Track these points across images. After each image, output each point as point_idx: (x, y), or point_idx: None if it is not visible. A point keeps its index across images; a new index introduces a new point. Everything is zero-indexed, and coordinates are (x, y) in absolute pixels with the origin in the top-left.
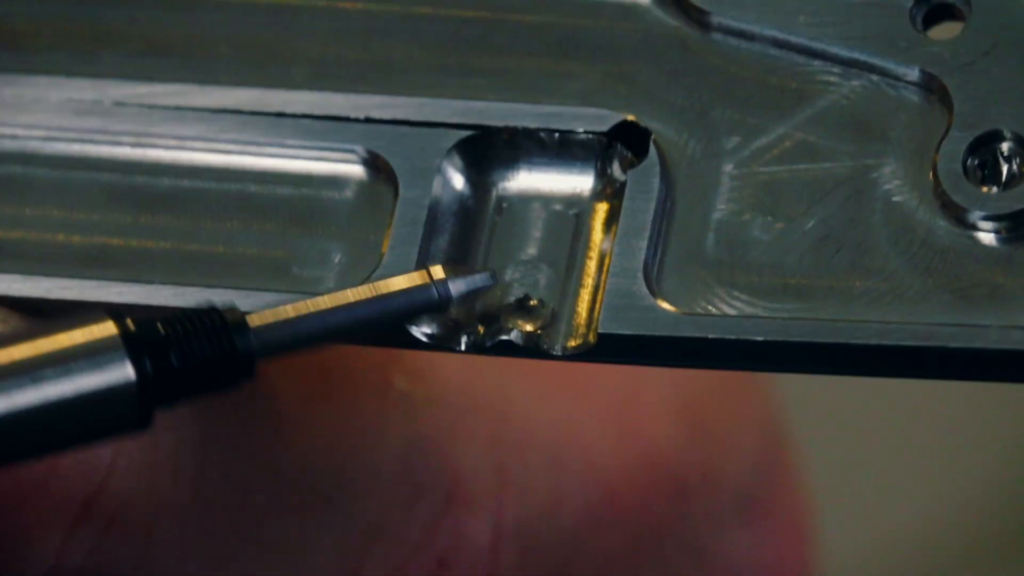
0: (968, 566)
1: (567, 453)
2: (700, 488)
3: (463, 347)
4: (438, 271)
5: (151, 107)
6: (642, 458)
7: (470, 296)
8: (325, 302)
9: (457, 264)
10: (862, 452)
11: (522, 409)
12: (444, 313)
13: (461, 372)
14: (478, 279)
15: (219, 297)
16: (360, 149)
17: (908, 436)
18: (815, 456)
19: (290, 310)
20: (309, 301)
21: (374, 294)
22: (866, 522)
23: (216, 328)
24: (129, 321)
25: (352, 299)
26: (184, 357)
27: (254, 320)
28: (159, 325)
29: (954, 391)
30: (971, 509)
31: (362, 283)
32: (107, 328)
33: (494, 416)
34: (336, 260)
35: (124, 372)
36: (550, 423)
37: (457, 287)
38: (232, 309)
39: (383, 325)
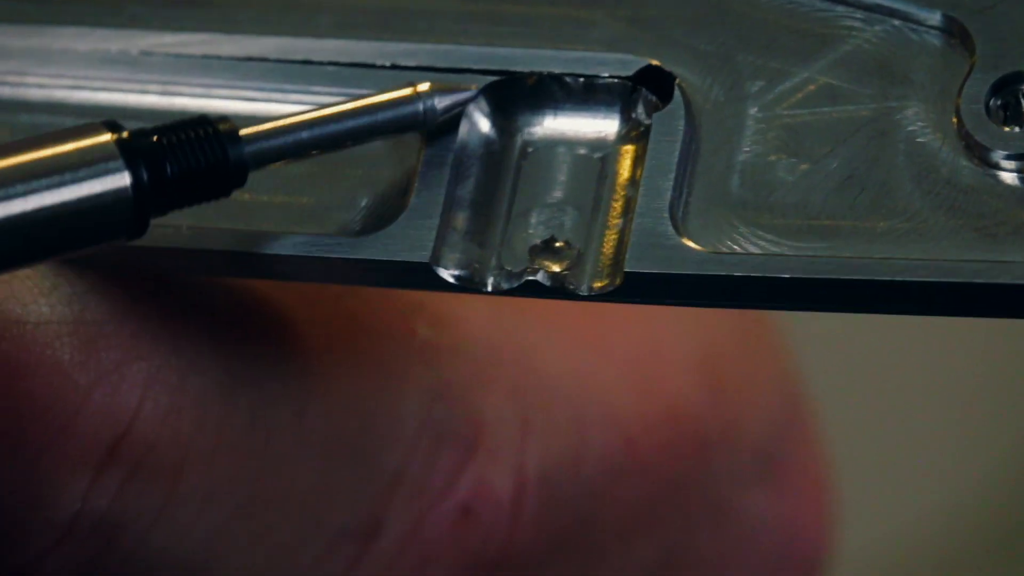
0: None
1: (589, 405)
2: (720, 444)
3: (489, 288)
4: (424, 86)
5: (178, 56)
6: (663, 412)
7: (454, 109)
8: (314, 114)
9: (481, 217)
10: (880, 414)
11: (545, 360)
12: (430, 128)
13: (485, 322)
14: (462, 93)
15: (249, 239)
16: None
17: (928, 397)
18: (834, 416)
19: (280, 121)
20: (299, 113)
21: (361, 106)
22: (886, 483)
23: (209, 137)
24: (125, 131)
25: (340, 111)
26: (178, 165)
27: (246, 131)
28: (154, 135)
29: (981, 358)
30: (989, 482)
31: (387, 227)
32: (104, 137)
33: (517, 366)
34: (363, 204)
35: (121, 179)
36: (572, 375)
37: (442, 101)
38: (225, 119)
39: (370, 137)
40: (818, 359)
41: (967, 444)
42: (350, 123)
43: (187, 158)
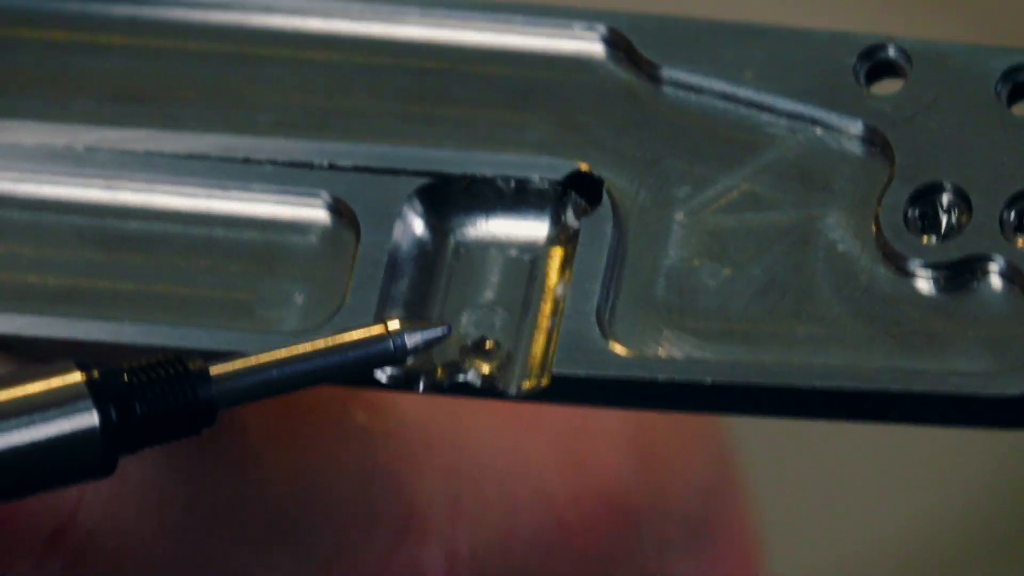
0: None
1: (520, 484)
2: (649, 516)
3: (421, 388)
4: (395, 323)
5: (121, 152)
6: (592, 488)
7: (426, 347)
8: (284, 353)
9: (414, 316)
10: (810, 480)
11: (477, 441)
12: (400, 364)
13: (417, 406)
14: (433, 331)
15: (184, 335)
16: (323, 194)
17: (858, 465)
18: (764, 483)
19: (250, 360)
20: (269, 352)
21: (332, 345)
22: (814, 550)
23: (179, 377)
24: (95, 370)
25: (310, 350)
26: (147, 405)
27: (215, 369)
28: (124, 374)
29: (900, 432)
30: (919, 541)
31: (323, 325)
32: (73, 376)
33: (449, 448)
34: (299, 302)
35: (89, 419)
36: (504, 455)
37: (413, 339)
38: (195, 359)
39: (341, 376)
40: (748, 426)
41: (894, 520)
42: (320, 362)
43: (156, 398)
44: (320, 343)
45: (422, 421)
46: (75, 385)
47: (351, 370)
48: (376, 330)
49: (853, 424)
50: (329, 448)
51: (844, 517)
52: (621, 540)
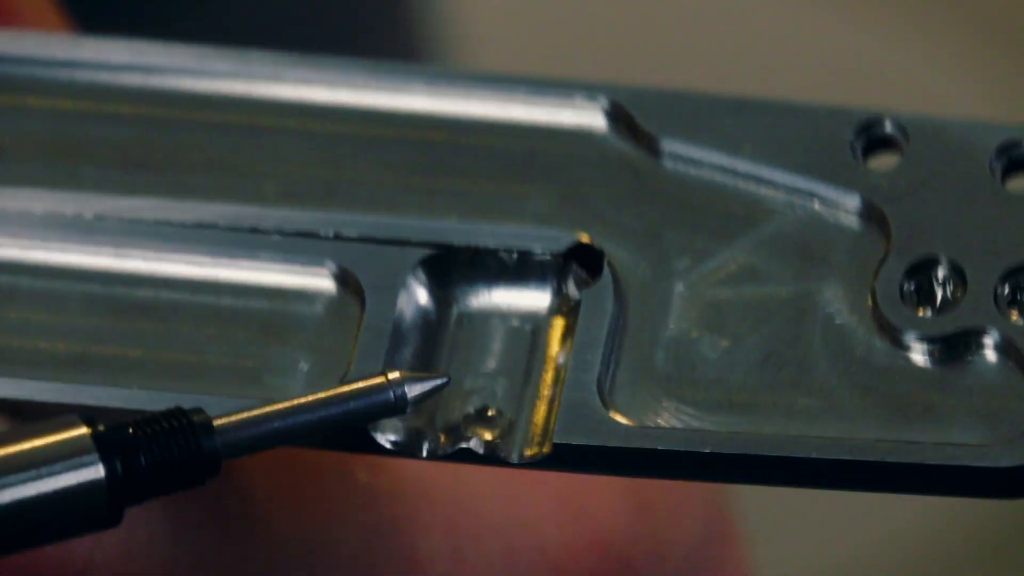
0: None
1: (519, 538)
2: (647, 565)
3: (424, 454)
4: (395, 375)
5: (130, 220)
6: (591, 539)
7: (426, 397)
8: (286, 404)
9: (415, 369)
10: (806, 525)
11: (475, 493)
12: (402, 415)
13: (418, 464)
14: (433, 381)
15: (192, 402)
16: (329, 264)
17: (852, 509)
18: (760, 529)
19: (253, 411)
20: (272, 404)
21: (333, 396)
22: None
23: (183, 429)
24: (100, 425)
25: (312, 401)
26: (152, 457)
27: (219, 421)
28: (129, 427)
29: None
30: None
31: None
32: (80, 430)
33: (449, 502)
34: (304, 370)
35: (95, 471)
36: (504, 509)
37: (413, 390)
38: (198, 411)
39: (343, 426)
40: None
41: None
42: (322, 413)
43: (160, 450)
44: (322, 395)
45: (423, 477)
46: (81, 438)
47: (353, 420)
48: (377, 381)
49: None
50: (332, 506)
51: (845, 557)
52: None
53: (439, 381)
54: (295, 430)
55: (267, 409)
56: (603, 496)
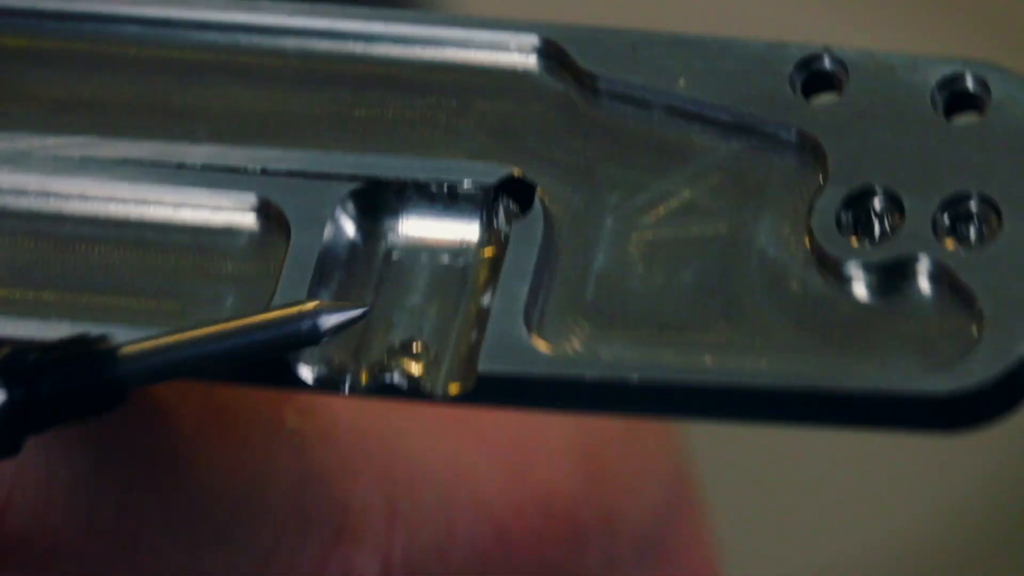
0: None
1: (458, 491)
2: (597, 532)
3: (346, 389)
4: (310, 305)
5: (55, 158)
6: (536, 499)
7: (342, 328)
8: (196, 333)
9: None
10: (770, 494)
11: (413, 446)
12: (316, 344)
13: (352, 409)
14: (350, 312)
15: (114, 335)
16: (255, 198)
17: (817, 480)
18: (722, 499)
19: (161, 340)
20: (180, 332)
21: (245, 325)
22: (772, 568)
23: (85, 357)
24: (1, 349)
25: (223, 330)
26: (54, 384)
27: (125, 349)
28: (30, 354)
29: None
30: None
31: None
32: None
33: (385, 452)
34: (228, 304)
35: None
36: (441, 460)
37: (328, 320)
38: (102, 338)
39: (255, 356)
40: (708, 439)
41: (853, 531)
42: (233, 342)
43: (63, 378)
44: (233, 323)
45: (357, 425)
46: None
47: (265, 350)
48: (291, 311)
49: (810, 433)
50: (261, 450)
51: (815, 531)
52: (564, 554)
53: (356, 311)
54: (204, 359)
55: (175, 338)
56: (551, 456)
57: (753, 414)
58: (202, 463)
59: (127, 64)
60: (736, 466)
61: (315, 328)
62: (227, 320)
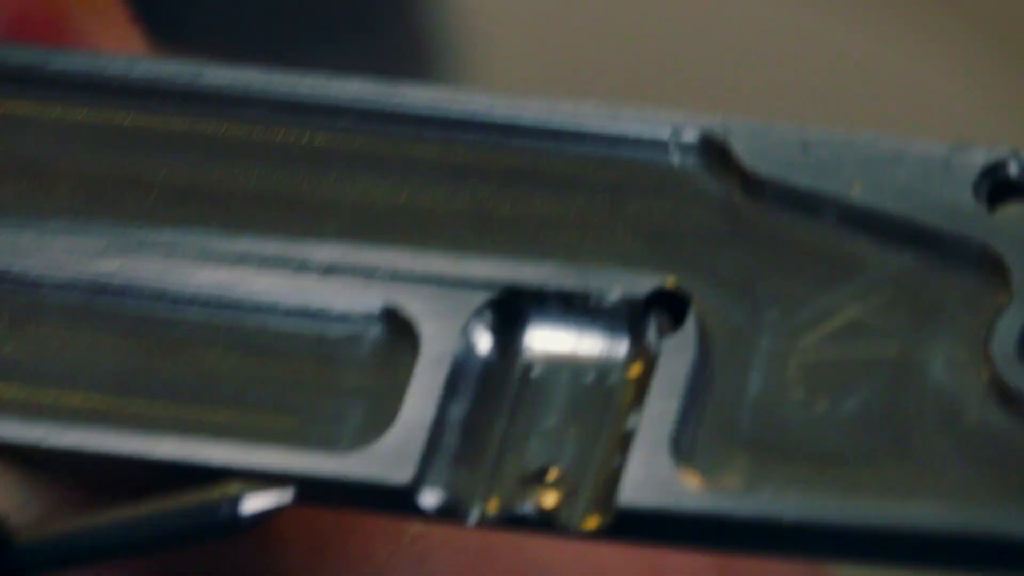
0: None
1: None
2: None
3: (473, 520)
4: (233, 487)
5: (169, 254)
6: None
7: (266, 517)
8: (101, 517)
9: (472, 441)
10: None
11: (543, 549)
12: (237, 534)
13: None
14: (276, 496)
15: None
16: (382, 304)
17: None
18: None
19: (62, 525)
20: (86, 515)
21: (156, 513)
22: None
23: None
24: None
25: (131, 517)
26: None
27: (23, 534)
28: None
29: None
30: None
31: (375, 442)
32: None
33: (513, 557)
34: (350, 422)
35: None
36: (574, 563)
37: (250, 505)
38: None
39: (166, 544)
40: None
41: None
42: (142, 531)
43: None
44: (143, 508)
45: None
46: None
47: (178, 539)
48: (210, 494)
49: None
50: (383, 563)
51: None
52: None
53: (285, 496)
54: (109, 546)
55: (78, 522)
56: (690, 558)
57: (921, 560)
58: None
59: (252, 150)
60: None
61: (234, 515)
62: (139, 503)
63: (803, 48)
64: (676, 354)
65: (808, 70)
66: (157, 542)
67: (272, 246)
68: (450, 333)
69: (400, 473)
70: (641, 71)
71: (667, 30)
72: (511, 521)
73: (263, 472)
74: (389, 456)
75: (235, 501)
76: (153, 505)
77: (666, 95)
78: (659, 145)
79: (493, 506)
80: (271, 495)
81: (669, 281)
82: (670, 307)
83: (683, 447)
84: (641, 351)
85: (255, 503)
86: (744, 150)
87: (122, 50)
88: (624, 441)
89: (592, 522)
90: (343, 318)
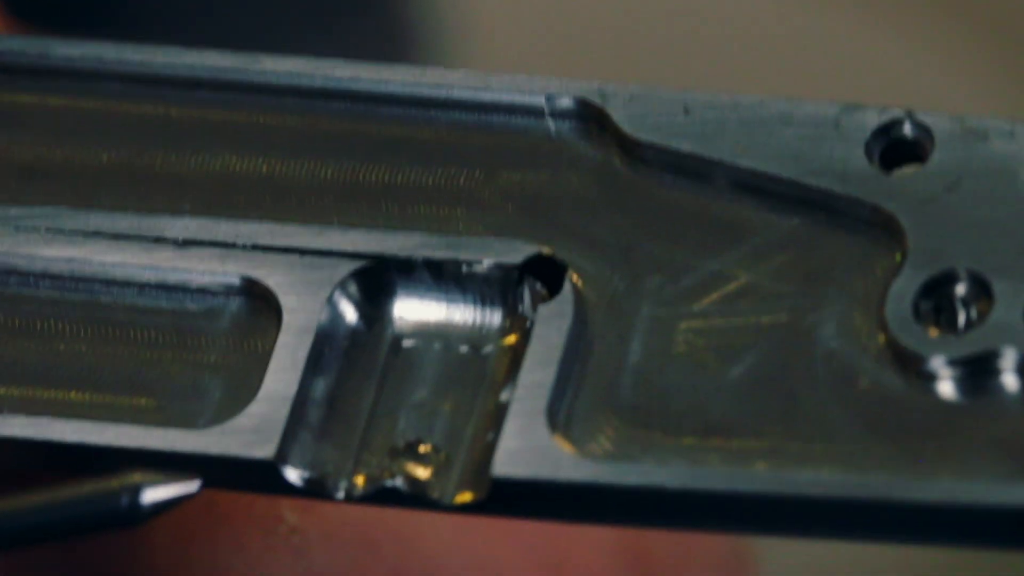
0: None
1: None
2: None
3: (340, 494)
4: (134, 477)
5: (17, 232)
6: None
7: (168, 507)
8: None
9: (342, 415)
10: None
11: (430, 540)
12: (137, 525)
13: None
14: (180, 487)
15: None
16: (241, 278)
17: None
18: None
19: None
20: None
21: (54, 500)
22: None
23: None
24: None
25: (23, 504)
26: None
27: None
28: None
29: None
30: None
31: (235, 416)
32: None
33: (396, 550)
34: (211, 399)
35: None
36: (464, 559)
37: (150, 495)
38: None
39: (63, 534)
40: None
41: None
42: (33, 519)
43: None
44: (41, 495)
45: (363, 520)
46: None
47: (73, 530)
48: (110, 483)
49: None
50: (258, 555)
51: None
52: None
53: (189, 488)
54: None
55: None
56: (591, 548)
57: (813, 529)
58: (188, 569)
59: (102, 125)
60: (797, 554)
61: (135, 506)
62: (32, 492)
63: (814, 46)
64: (551, 323)
65: (803, 61)
66: (52, 532)
67: (126, 220)
68: (313, 304)
69: (262, 448)
70: (636, 55)
71: (658, 10)
72: (381, 495)
73: (118, 450)
74: (250, 431)
75: (137, 491)
76: (50, 494)
77: (656, 75)
78: (534, 112)
79: (361, 480)
80: (174, 486)
81: (545, 249)
82: (546, 275)
83: (560, 417)
84: (516, 321)
85: (156, 493)
86: (623, 115)
87: None
88: (499, 412)
89: (466, 495)
90: (201, 291)
